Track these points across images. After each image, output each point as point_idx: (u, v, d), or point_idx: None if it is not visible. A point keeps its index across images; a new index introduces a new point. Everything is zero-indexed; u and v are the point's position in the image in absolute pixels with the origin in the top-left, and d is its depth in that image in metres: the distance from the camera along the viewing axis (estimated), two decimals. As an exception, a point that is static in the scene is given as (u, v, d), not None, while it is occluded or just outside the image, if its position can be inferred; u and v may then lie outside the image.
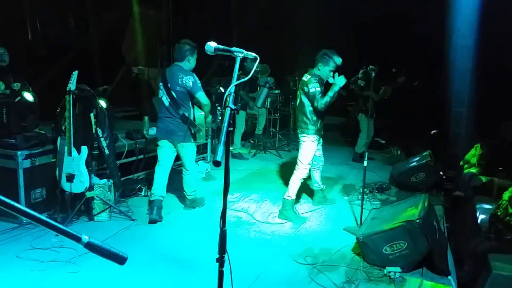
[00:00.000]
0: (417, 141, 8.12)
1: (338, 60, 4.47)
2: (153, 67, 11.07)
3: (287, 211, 4.61)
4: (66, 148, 4.00)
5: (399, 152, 8.22)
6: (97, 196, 4.29)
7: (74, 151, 4.02)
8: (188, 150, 4.53)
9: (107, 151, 4.50)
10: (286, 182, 5.97)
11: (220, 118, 6.67)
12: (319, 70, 4.52)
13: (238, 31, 10.87)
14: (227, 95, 1.72)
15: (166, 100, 4.38)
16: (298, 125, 4.69)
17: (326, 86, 4.57)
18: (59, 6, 8.60)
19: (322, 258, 3.74)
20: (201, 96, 4.34)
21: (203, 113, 4.58)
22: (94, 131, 4.32)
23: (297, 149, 5.75)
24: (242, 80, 1.81)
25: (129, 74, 10.56)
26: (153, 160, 6.03)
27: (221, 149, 1.60)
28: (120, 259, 1.09)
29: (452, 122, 8.96)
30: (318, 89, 4.42)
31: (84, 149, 4.05)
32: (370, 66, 4.34)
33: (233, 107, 1.69)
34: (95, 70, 8.80)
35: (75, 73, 3.96)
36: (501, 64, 7.61)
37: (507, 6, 6.75)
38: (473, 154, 7.17)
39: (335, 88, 4.37)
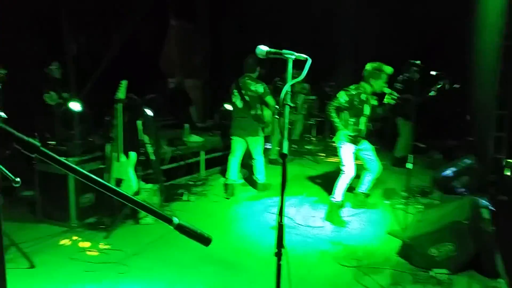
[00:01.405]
0: (458, 145, 7.93)
1: (390, 71, 4.59)
2: (189, 78, 11.35)
3: (332, 213, 4.62)
4: (114, 154, 4.18)
5: (440, 156, 8.06)
6: (143, 200, 4.43)
7: (122, 157, 4.20)
8: (257, 142, 5.50)
9: (153, 157, 4.67)
10: (324, 187, 6.00)
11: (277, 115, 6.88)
12: (371, 86, 4.60)
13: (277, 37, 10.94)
14: (285, 94, 1.80)
15: (240, 103, 5.37)
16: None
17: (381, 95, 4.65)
18: (101, 20, 9.00)
19: (367, 260, 3.73)
20: (269, 100, 5.36)
21: (269, 111, 5.54)
22: (141, 138, 4.49)
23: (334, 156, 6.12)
24: (297, 79, 1.88)
25: (166, 85, 10.90)
26: (194, 166, 6.22)
27: (286, 143, 1.71)
28: (205, 240, 1.17)
29: (494, 124, 8.71)
30: (342, 99, 4.59)
31: (133, 154, 4.22)
32: (414, 69, 4.29)
33: (291, 104, 1.77)
34: (134, 81, 9.11)
35: (124, 82, 4.15)
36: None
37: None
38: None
39: None
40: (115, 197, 1.08)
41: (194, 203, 5.31)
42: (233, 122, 5.53)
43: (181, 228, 1.14)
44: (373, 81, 4.57)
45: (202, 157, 6.31)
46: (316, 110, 8.37)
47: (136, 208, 1.15)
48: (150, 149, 4.66)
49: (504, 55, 8.46)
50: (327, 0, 9.44)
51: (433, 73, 7.31)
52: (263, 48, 2.11)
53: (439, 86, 7.21)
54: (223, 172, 6.79)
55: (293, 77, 1.89)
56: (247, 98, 5.35)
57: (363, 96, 4.59)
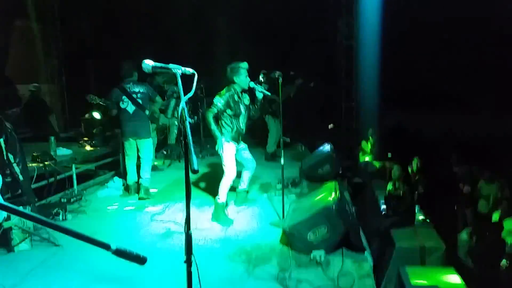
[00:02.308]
0: (317, 137, 8.86)
1: (245, 65, 4.81)
2: (43, 83, 10.39)
3: (218, 213, 4.82)
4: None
5: (303, 148, 8.91)
6: (15, 225, 4.06)
7: (-15, 181, 3.76)
8: (148, 143, 5.96)
9: (21, 177, 4.27)
10: (206, 188, 6.19)
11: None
12: (238, 84, 4.81)
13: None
14: (182, 110, 1.90)
15: (131, 108, 5.63)
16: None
17: (251, 93, 4.93)
18: None
19: (255, 253, 4.04)
20: (158, 98, 6.05)
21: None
22: (5, 157, 4.07)
23: (210, 155, 6.75)
24: (189, 95, 1.97)
25: (15, 93, 9.80)
26: (65, 182, 5.82)
27: (194, 158, 1.79)
28: (142, 260, 1.22)
29: (344, 116, 9.96)
30: (219, 104, 4.76)
31: (-2, 178, 3.81)
32: (278, 72, 4.73)
33: (191, 120, 1.88)
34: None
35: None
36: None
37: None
38: (367, 143, 8.10)
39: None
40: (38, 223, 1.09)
41: (72, 221, 5.00)
42: (125, 126, 5.71)
43: (119, 252, 1.19)
44: (236, 78, 4.77)
45: (73, 170, 5.93)
46: (189, 112, 8.47)
47: (68, 235, 1.16)
48: (16, 168, 4.25)
49: (346, 53, 9.75)
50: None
51: (291, 73, 8.07)
52: (148, 63, 2.14)
53: (298, 84, 8.00)
54: (99, 184, 6.51)
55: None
56: (139, 101, 5.65)
57: (235, 97, 4.82)
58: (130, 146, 5.83)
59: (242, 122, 4.94)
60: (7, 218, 3.94)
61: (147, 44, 9.06)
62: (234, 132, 4.87)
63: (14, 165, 4.22)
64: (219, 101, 4.74)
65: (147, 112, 5.80)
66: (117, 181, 6.32)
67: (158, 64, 2.15)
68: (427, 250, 5.10)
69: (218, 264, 3.85)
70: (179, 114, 1.91)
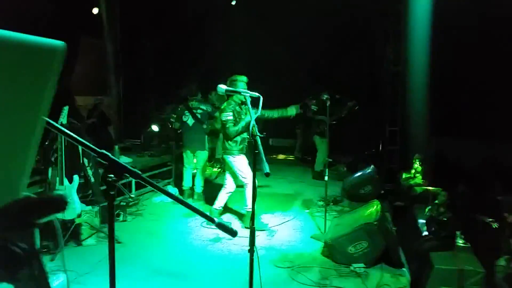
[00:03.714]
0: (359, 159, 9.06)
1: (243, 78, 4.91)
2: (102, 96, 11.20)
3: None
4: (57, 178, 4.29)
5: (344, 169, 9.12)
6: (85, 222, 4.58)
7: (65, 180, 4.32)
8: (202, 155, 6.55)
9: (92, 179, 4.82)
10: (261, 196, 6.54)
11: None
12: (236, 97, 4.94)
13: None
14: (253, 126, 2.31)
15: (191, 121, 6.37)
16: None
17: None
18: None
19: (298, 261, 4.33)
20: (217, 114, 6.14)
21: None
22: (81, 161, 4.64)
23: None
24: (257, 114, 2.39)
25: (74, 104, 10.64)
26: (125, 187, 6.36)
27: (266, 164, 2.19)
28: (234, 233, 1.57)
29: (388, 139, 10.09)
30: (230, 117, 4.92)
31: (76, 178, 4.36)
32: (326, 96, 5.08)
33: (260, 135, 2.27)
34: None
35: (66, 108, 4.30)
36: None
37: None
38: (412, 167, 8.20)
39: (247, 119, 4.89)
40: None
41: (131, 223, 5.51)
42: (185, 139, 6.50)
43: (220, 225, 1.53)
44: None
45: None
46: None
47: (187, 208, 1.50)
48: (89, 171, 4.81)
49: (392, 79, 9.94)
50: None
51: (338, 96, 8.38)
52: (222, 87, 2.61)
53: (350, 107, 8.30)
54: (153, 191, 7.02)
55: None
56: (198, 116, 6.33)
57: (237, 108, 4.99)
58: (187, 156, 6.55)
59: (246, 133, 5.00)
60: (79, 215, 4.47)
61: (199, 64, 9.70)
62: (239, 144, 5.02)
63: (88, 168, 4.78)
64: (228, 116, 4.93)
65: (204, 127, 6.42)
66: (171, 189, 6.80)
67: (230, 88, 2.61)
68: (465, 273, 5.18)
69: (263, 268, 4.16)
70: (250, 130, 2.32)
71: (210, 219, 1.48)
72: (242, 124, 4.87)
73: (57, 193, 0.97)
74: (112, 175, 1.26)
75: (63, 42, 0.76)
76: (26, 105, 0.78)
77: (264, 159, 2.17)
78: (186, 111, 6.42)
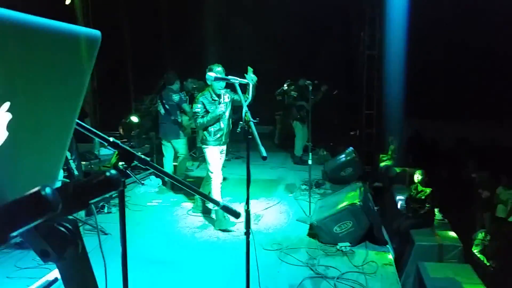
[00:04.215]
0: (339, 142, 9.23)
1: (218, 67, 4.39)
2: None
3: (221, 221, 4.94)
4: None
5: (325, 152, 9.27)
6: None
7: (49, 174, 4.26)
8: (179, 143, 6.46)
9: (76, 172, 4.77)
10: (237, 187, 6.60)
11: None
12: (212, 86, 4.66)
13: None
14: (245, 113, 2.35)
15: (161, 110, 6.28)
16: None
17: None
18: None
19: (285, 244, 4.44)
20: (186, 107, 6.30)
21: (186, 117, 6.60)
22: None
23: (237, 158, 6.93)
24: (248, 101, 2.44)
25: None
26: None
27: (262, 148, 2.23)
28: (237, 215, 1.62)
29: (364, 123, 10.30)
30: (198, 109, 4.70)
31: (60, 171, 4.30)
32: (307, 82, 5.16)
33: (254, 120, 2.32)
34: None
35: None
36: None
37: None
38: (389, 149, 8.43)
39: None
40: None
41: (116, 214, 5.49)
42: (159, 128, 6.52)
43: (224, 208, 1.57)
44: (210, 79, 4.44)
45: (115, 169, 6.43)
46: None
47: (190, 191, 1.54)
48: (73, 164, 4.76)
49: (367, 63, 10.12)
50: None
51: (316, 82, 8.49)
52: (211, 75, 2.64)
53: (324, 90, 8.41)
54: (136, 182, 7.00)
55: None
56: (167, 106, 6.24)
57: (210, 98, 4.71)
58: (164, 145, 6.51)
59: (223, 123, 4.85)
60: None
61: (173, 55, 9.63)
62: (213, 135, 4.80)
63: (71, 161, 4.72)
64: (197, 108, 4.71)
65: (173, 118, 6.30)
66: (153, 180, 6.79)
67: (219, 76, 2.63)
68: (445, 247, 5.44)
69: (252, 252, 4.25)
70: (243, 116, 2.36)
71: (214, 202, 1.54)
72: (209, 117, 4.64)
73: (112, 172, 0.99)
74: (123, 163, 1.29)
75: (99, 31, 0.79)
76: (68, 95, 0.81)
77: (260, 143, 2.22)
78: (159, 101, 6.43)
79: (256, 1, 9.96)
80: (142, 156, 1.39)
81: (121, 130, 8.07)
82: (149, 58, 9.98)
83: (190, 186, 1.58)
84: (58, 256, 0.93)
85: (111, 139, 1.33)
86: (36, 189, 0.73)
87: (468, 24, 7.50)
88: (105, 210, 5.52)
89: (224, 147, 5.01)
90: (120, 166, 1.32)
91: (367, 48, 9.92)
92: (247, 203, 2.57)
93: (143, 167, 1.41)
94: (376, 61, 9.73)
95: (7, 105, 0.69)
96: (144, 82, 9.77)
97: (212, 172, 4.88)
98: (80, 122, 1.25)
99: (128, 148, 1.32)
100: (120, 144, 1.30)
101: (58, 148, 0.91)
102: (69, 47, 0.75)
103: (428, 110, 9.56)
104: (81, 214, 4.69)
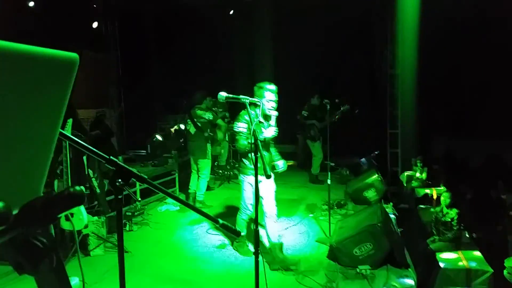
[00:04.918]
0: (362, 162, 9.08)
1: (266, 84, 4.19)
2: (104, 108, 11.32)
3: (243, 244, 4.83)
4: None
5: (347, 172, 9.14)
6: (92, 233, 4.62)
7: (71, 192, 4.36)
8: (204, 163, 6.52)
9: (98, 190, 4.87)
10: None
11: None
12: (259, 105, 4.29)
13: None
14: (253, 131, 2.35)
15: (193, 129, 6.50)
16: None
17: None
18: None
19: (304, 265, 4.35)
20: (220, 122, 7.06)
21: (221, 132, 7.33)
22: (86, 172, 4.69)
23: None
24: (257, 120, 2.45)
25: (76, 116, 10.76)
26: (129, 197, 6.40)
27: (267, 167, 2.23)
28: (237, 233, 1.60)
29: (389, 142, 10.11)
30: (244, 129, 4.02)
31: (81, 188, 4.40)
32: (325, 100, 5.13)
33: (261, 139, 2.32)
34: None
35: (70, 121, 4.35)
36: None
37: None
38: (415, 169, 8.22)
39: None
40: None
41: (138, 232, 5.54)
42: (188, 146, 6.76)
43: (224, 226, 1.56)
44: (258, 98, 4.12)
45: (137, 187, 6.53)
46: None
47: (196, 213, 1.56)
48: (95, 182, 4.85)
49: (390, 82, 9.99)
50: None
51: (337, 100, 8.44)
52: (223, 94, 2.66)
53: (342, 111, 8.36)
54: (158, 201, 7.08)
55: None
56: (199, 124, 6.45)
57: (256, 121, 4.48)
58: (193, 162, 6.73)
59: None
60: (86, 226, 4.51)
61: (195, 74, 9.79)
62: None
63: (93, 179, 4.83)
64: (240, 127, 4.05)
65: (206, 135, 6.50)
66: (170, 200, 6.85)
67: (230, 95, 2.65)
68: (473, 272, 5.18)
69: (269, 273, 4.19)
70: (251, 133, 2.36)
71: (214, 220, 1.52)
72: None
73: (76, 188, 1.03)
74: (120, 180, 1.31)
75: (76, 54, 0.82)
76: (47, 114, 0.84)
77: (265, 162, 2.22)
78: (189, 120, 6.57)
79: (279, 21, 10.05)
80: (141, 174, 1.41)
81: (148, 149, 8.22)
82: (174, 77, 10.18)
83: (197, 209, 1.62)
84: (32, 268, 0.96)
85: (111, 157, 1.36)
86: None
87: (498, 36, 7.32)
88: (127, 228, 5.58)
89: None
90: (117, 183, 1.34)
91: (389, 67, 9.82)
92: (256, 222, 2.52)
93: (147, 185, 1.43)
94: (396, 79, 9.60)
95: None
96: (166, 103, 9.96)
97: (245, 208, 4.49)
98: (77, 139, 1.27)
99: (125, 165, 1.34)
100: (117, 161, 1.32)
101: (37, 164, 0.94)
102: (47, 70, 0.78)
103: (455, 128, 9.30)
104: (103, 232, 4.78)
